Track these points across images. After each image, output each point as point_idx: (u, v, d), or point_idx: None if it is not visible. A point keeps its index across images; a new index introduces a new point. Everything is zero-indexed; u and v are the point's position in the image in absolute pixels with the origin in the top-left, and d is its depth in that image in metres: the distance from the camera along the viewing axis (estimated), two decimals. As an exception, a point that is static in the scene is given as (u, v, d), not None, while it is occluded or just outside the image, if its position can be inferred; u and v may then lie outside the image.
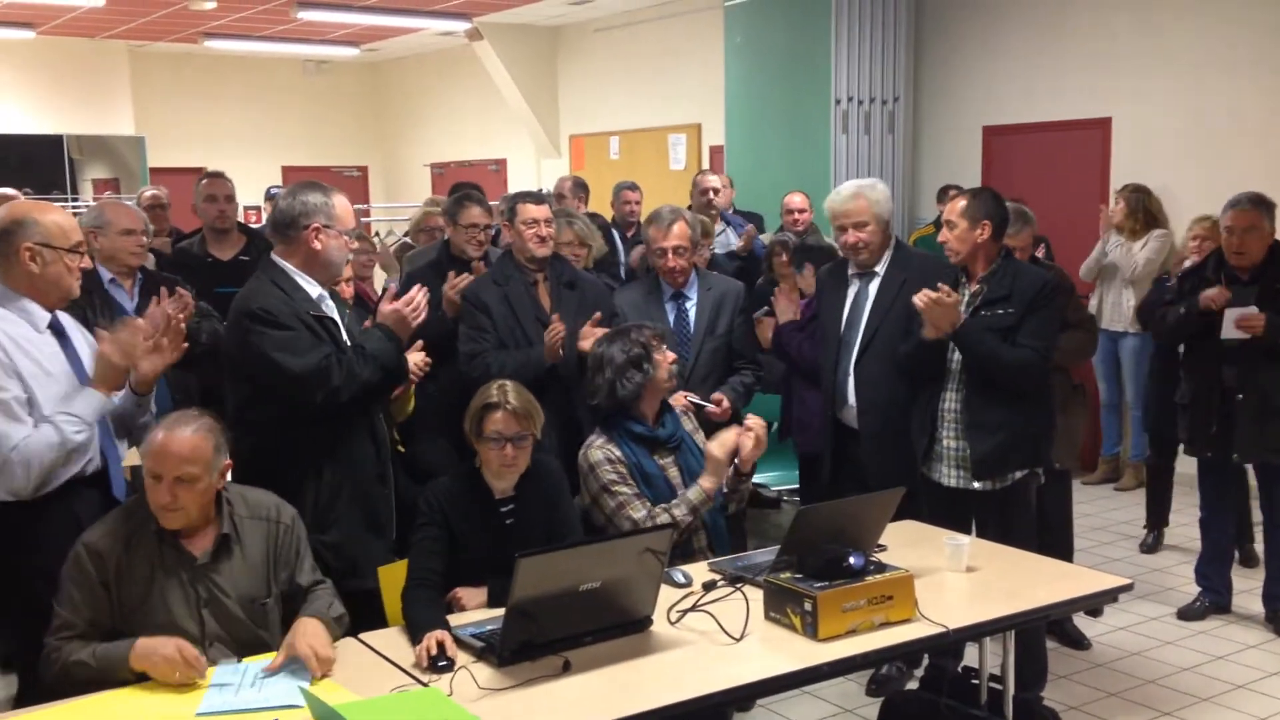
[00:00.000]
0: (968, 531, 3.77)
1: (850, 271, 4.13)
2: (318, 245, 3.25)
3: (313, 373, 3.15)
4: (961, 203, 3.83)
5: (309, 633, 2.66)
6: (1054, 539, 4.48)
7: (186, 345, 3.20)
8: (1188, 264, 5.37)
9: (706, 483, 3.38)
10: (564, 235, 4.68)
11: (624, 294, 4.37)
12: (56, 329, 3.02)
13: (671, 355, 3.55)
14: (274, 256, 3.32)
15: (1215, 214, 5.02)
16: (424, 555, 3.06)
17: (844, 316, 4.10)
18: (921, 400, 3.90)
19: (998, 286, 3.77)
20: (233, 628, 2.75)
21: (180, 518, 2.71)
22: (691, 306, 4.24)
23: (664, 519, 3.35)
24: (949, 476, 3.84)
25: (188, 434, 2.69)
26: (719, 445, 3.40)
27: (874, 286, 4.06)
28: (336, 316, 3.34)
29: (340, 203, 3.32)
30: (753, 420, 3.50)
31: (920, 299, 3.68)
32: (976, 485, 3.79)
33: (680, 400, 3.86)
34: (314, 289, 3.29)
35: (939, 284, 3.71)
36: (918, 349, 3.82)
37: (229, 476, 2.84)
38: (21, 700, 2.87)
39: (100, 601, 2.67)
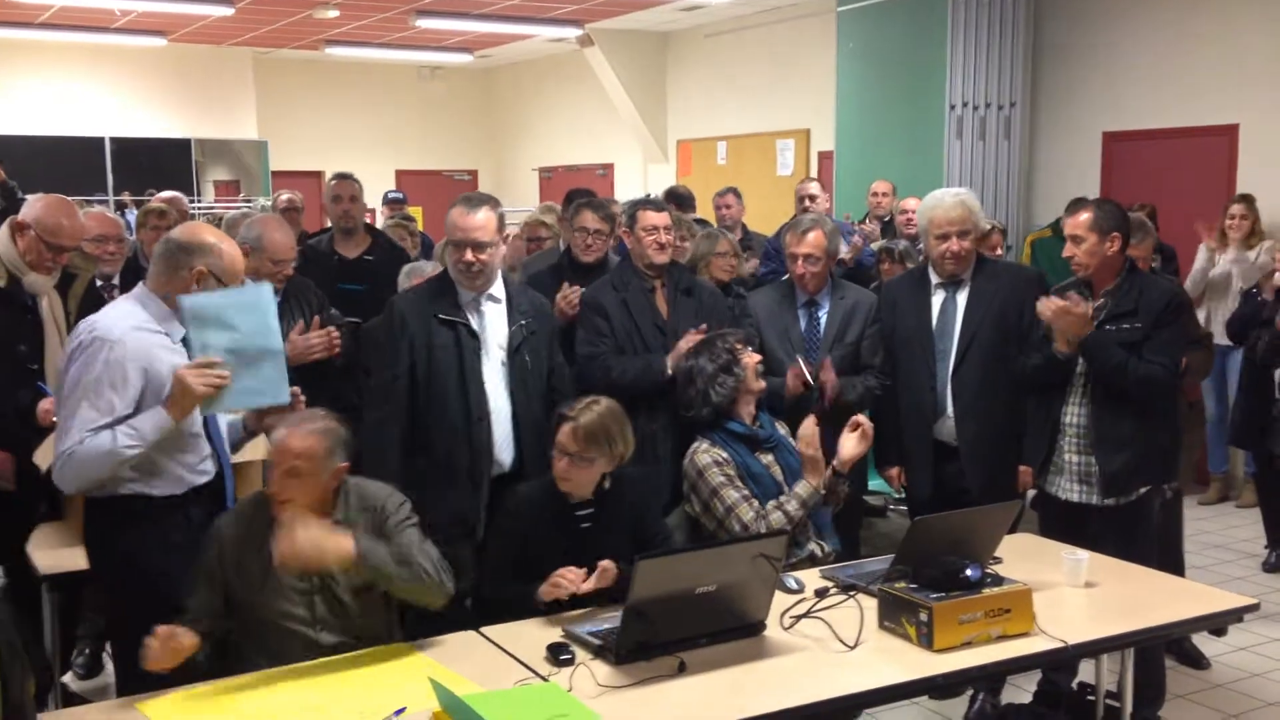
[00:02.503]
0: (1082, 546, 3.71)
1: (935, 281, 4.08)
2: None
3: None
4: (1088, 215, 3.69)
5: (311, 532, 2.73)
6: (1166, 556, 4.37)
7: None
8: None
9: (812, 479, 3.47)
10: (720, 245, 4.79)
11: (758, 298, 4.43)
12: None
13: (757, 356, 3.67)
14: None
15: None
16: (495, 558, 3.22)
17: (932, 326, 4.05)
18: (1037, 412, 3.84)
19: (1124, 300, 3.68)
20: (343, 615, 2.86)
21: (286, 507, 2.84)
22: (823, 314, 4.26)
23: (776, 516, 3.42)
24: (1069, 491, 3.76)
25: (305, 433, 2.84)
26: (804, 442, 3.48)
27: (963, 296, 4.02)
28: (476, 324, 3.56)
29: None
30: (859, 418, 3.56)
31: (1047, 308, 3.62)
32: (1103, 501, 3.70)
33: (794, 372, 3.95)
34: (467, 295, 3.58)
35: (1068, 292, 3.65)
36: (1048, 364, 3.73)
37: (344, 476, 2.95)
38: (124, 689, 2.94)
39: (219, 587, 2.83)
